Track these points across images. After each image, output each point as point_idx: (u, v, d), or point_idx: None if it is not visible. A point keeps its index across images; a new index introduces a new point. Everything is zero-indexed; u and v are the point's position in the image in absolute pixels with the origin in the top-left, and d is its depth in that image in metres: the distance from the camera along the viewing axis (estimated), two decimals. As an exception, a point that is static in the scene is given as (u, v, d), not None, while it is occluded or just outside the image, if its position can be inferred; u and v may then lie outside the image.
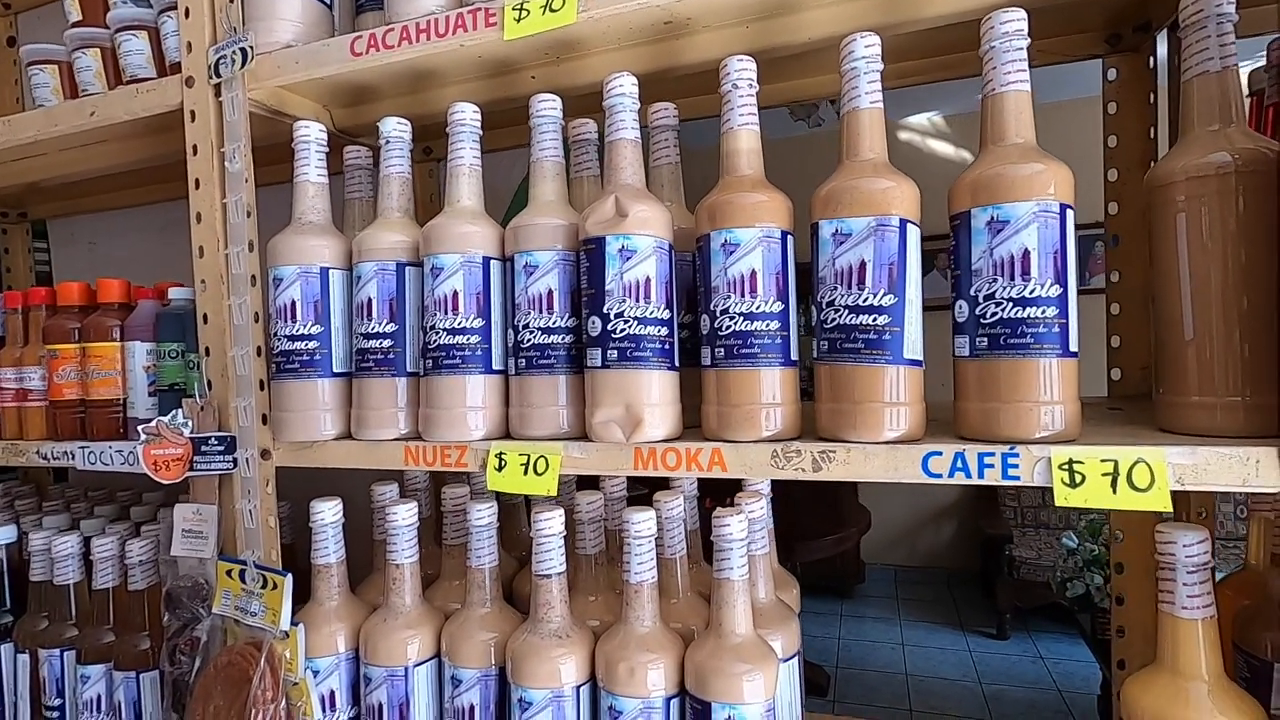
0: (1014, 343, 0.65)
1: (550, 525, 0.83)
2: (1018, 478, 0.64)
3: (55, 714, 1.08)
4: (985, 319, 0.66)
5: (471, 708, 0.86)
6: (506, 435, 0.85)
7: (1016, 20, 0.66)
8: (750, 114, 0.76)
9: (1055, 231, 0.64)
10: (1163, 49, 0.90)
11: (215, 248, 0.94)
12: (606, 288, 0.76)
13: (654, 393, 0.76)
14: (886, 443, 0.68)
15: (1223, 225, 0.63)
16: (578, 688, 0.82)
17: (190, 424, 0.93)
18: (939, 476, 0.66)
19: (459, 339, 0.83)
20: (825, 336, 0.71)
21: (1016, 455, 0.64)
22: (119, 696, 1.03)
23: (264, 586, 0.90)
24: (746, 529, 0.78)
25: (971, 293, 0.67)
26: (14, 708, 1.12)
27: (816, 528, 3.32)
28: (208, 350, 0.96)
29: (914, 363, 0.69)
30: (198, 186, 0.95)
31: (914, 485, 0.67)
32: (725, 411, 0.74)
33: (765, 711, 0.75)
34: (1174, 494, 0.60)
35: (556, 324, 0.81)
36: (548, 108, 0.84)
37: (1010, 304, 0.65)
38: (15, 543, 1.16)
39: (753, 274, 0.72)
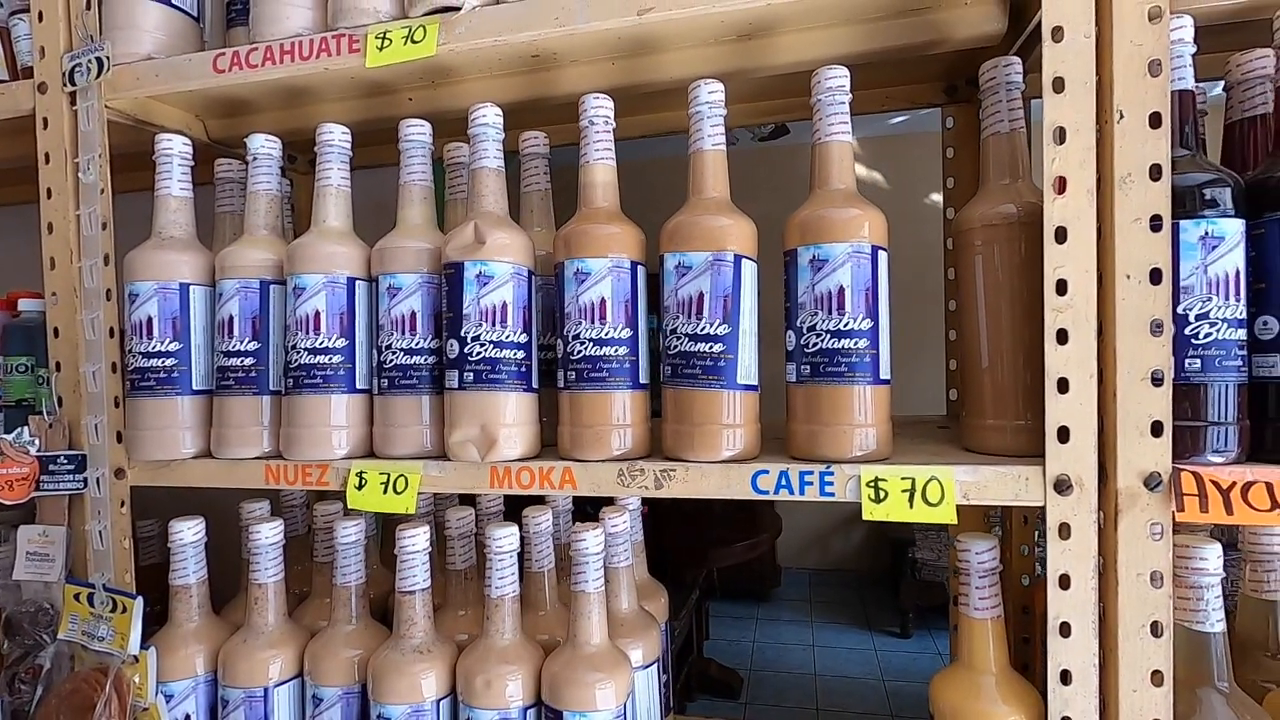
0: (831, 370, 0.71)
1: (413, 542, 0.84)
2: (833, 494, 0.70)
3: (-117, 751, 1.01)
4: (808, 349, 0.72)
5: (332, 726, 0.86)
6: (370, 454, 0.86)
7: (839, 77, 0.73)
8: (606, 149, 0.80)
9: (868, 270, 0.71)
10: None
11: (68, 260, 0.91)
12: (464, 311, 0.78)
13: (509, 413, 0.79)
14: (722, 461, 0.73)
15: (1009, 266, 0.71)
16: (437, 702, 0.83)
17: (37, 442, 0.90)
18: (766, 493, 0.71)
19: (321, 359, 0.83)
20: (669, 362, 0.76)
21: (832, 474, 0.70)
22: (-45, 729, 0.97)
23: (113, 610, 0.87)
24: (603, 544, 0.82)
25: (798, 324, 0.73)
26: None
27: (730, 535, 3.41)
28: (59, 365, 0.92)
29: (749, 387, 0.75)
30: (50, 196, 0.91)
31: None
32: (577, 432, 0.77)
33: (616, 718, 0.79)
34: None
35: (419, 345, 0.83)
36: (416, 133, 0.86)
37: (829, 335, 0.71)
38: None
39: (603, 301, 0.76)
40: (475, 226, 0.79)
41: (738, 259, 0.74)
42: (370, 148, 1.09)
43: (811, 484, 0.70)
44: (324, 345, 0.83)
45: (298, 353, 0.83)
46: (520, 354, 0.79)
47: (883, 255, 0.72)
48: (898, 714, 3.06)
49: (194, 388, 0.89)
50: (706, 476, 0.73)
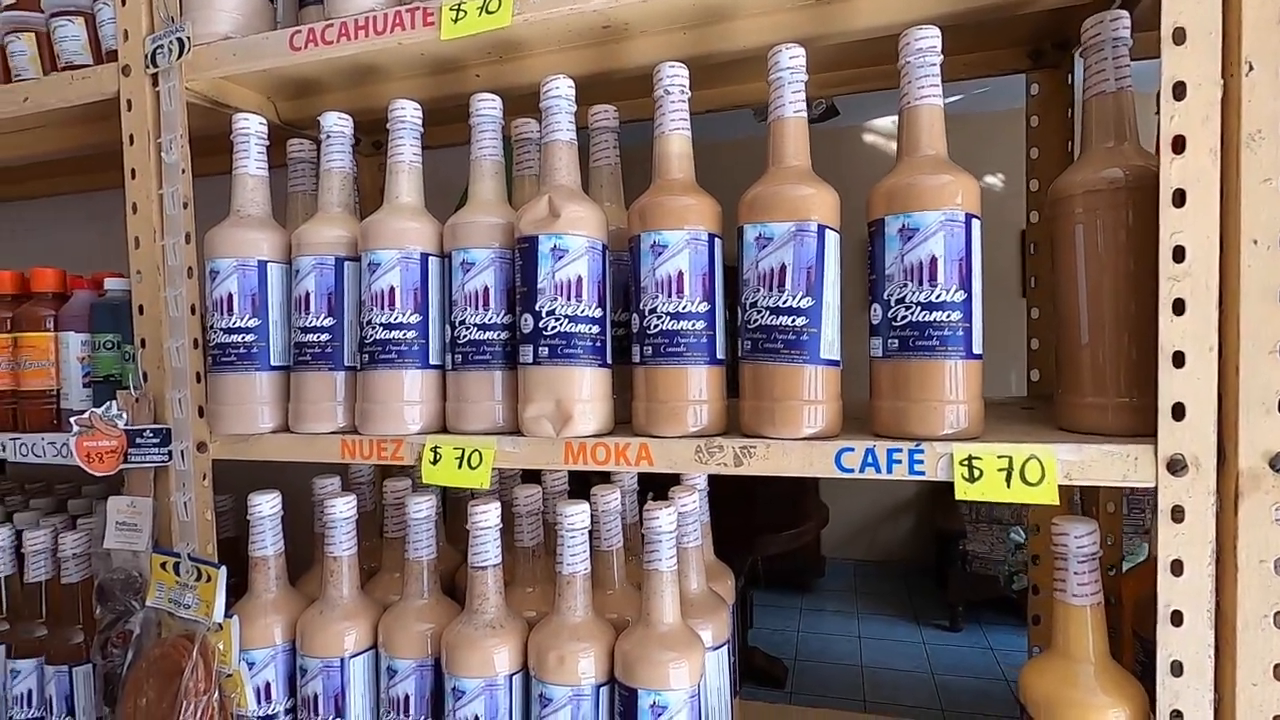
0: (922, 345, 0.68)
1: (485, 518, 0.84)
2: (923, 473, 0.67)
3: (-16, 708, 1.07)
4: (896, 322, 0.70)
5: (407, 697, 0.87)
6: (443, 429, 0.86)
7: (930, 37, 0.70)
8: (682, 118, 0.78)
9: (961, 239, 0.68)
10: (1080, 71, 0.94)
11: (151, 238, 0.93)
12: (539, 286, 0.77)
13: (584, 389, 0.78)
14: (804, 439, 0.71)
15: (1114, 236, 0.67)
16: (510, 676, 0.84)
17: (125, 416, 0.93)
18: (851, 471, 0.69)
19: (395, 334, 0.84)
20: (748, 336, 0.74)
21: (921, 451, 0.67)
22: (50, 690, 1.02)
23: (198, 579, 0.90)
24: (675, 522, 0.81)
25: (885, 297, 0.71)
26: (-58, 703, 1.10)
27: (776, 523, 3.38)
28: (144, 342, 0.95)
29: (831, 363, 0.72)
30: (134, 176, 0.94)
31: (872, 482, 0.69)
32: (653, 408, 0.76)
33: (689, 698, 0.78)
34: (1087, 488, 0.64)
35: (492, 320, 0.83)
36: (487, 107, 0.86)
37: (919, 308, 0.68)
38: (-56, 536, 1.13)
39: (680, 275, 0.75)
40: (549, 200, 0.78)
41: (821, 229, 0.71)
42: (432, 128, 1.09)
43: (900, 462, 0.68)
44: (398, 321, 0.84)
45: (372, 328, 0.84)
46: (595, 329, 0.78)
47: (976, 224, 0.69)
48: (948, 708, 3.00)
49: (272, 363, 0.90)
50: (788, 454, 0.71)
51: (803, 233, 0.71)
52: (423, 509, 0.90)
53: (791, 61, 0.73)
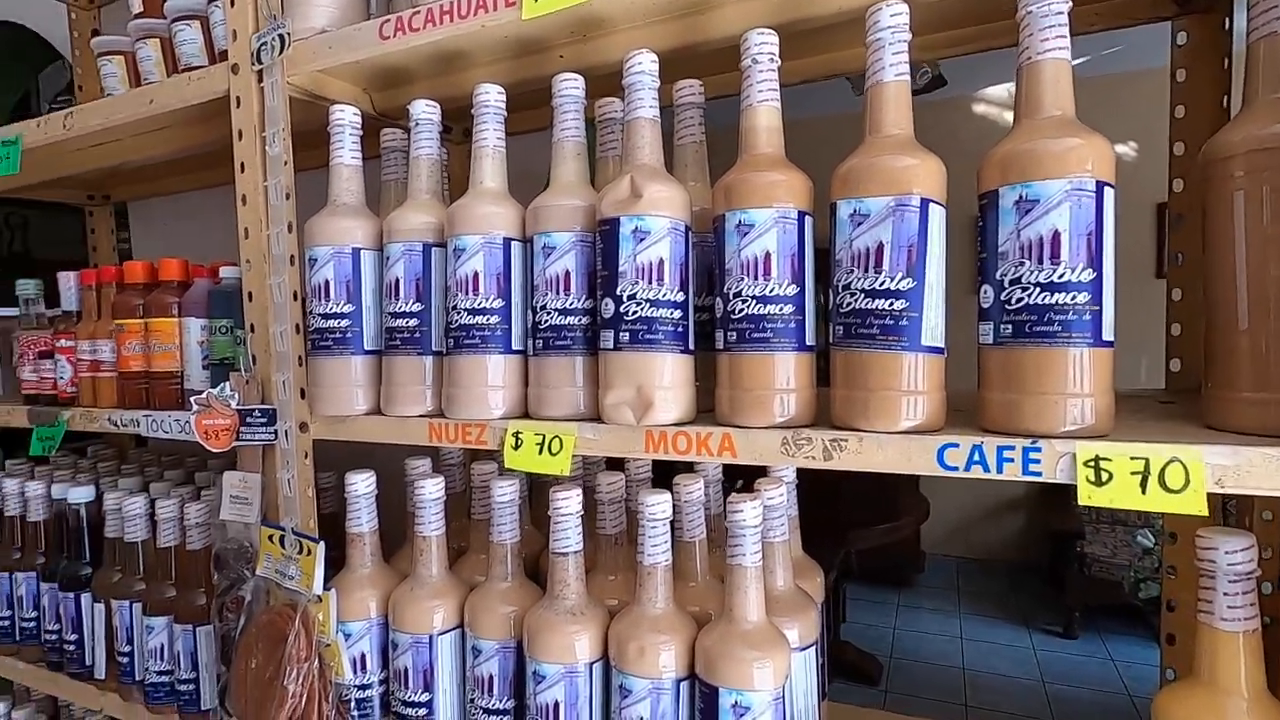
0: (1041, 330, 0.61)
1: (567, 504, 0.84)
2: (1039, 473, 0.60)
3: (125, 660, 1.18)
4: (1010, 305, 0.62)
5: (491, 678, 0.89)
6: (526, 414, 0.86)
7: (1056, -18, 0.61)
8: (771, 89, 0.73)
9: (1090, 211, 0.60)
10: (1241, 14, 0.81)
11: (259, 229, 0.98)
12: (620, 269, 0.75)
13: (666, 375, 0.75)
14: (901, 432, 0.66)
15: (1286, 203, 0.57)
16: (590, 664, 0.83)
17: (237, 396, 0.98)
18: (955, 469, 0.63)
19: (479, 319, 0.84)
20: (840, 321, 0.69)
21: (1039, 449, 0.60)
22: (178, 647, 1.11)
23: (300, 552, 0.94)
24: (760, 516, 0.77)
25: (997, 277, 0.64)
26: (92, 651, 1.22)
27: (870, 516, 3.24)
28: (252, 327, 1.01)
29: (934, 350, 0.66)
30: (243, 170, 0.99)
31: (977, 478, 0.63)
32: (737, 396, 0.73)
33: (774, 700, 0.75)
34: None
35: (574, 305, 0.81)
36: (569, 87, 0.84)
37: (1038, 289, 0.61)
38: (94, 501, 1.26)
39: (767, 256, 0.70)
40: (631, 179, 0.76)
41: (924, 203, 0.65)
42: (520, 114, 1.09)
43: (1012, 461, 0.61)
44: (481, 306, 0.84)
45: (457, 313, 0.85)
46: (677, 313, 0.75)
47: (1109, 193, 0.61)
48: (1061, 720, 2.80)
49: (365, 348, 0.93)
50: (884, 448, 0.66)
51: (903, 207, 0.65)
52: (506, 493, 0.90)
53: (893, 20, 0.67)
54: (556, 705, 0.82)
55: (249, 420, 0.98)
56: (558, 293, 0.81)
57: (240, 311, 1.02)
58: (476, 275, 0.84)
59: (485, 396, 0.85)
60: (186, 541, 1.12)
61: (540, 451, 0.81)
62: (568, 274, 0.81)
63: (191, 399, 0.99)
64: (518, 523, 0.92)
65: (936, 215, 0.66)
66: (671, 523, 0.82)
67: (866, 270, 0.66)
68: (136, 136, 1.28)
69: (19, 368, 1.28)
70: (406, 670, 0.92)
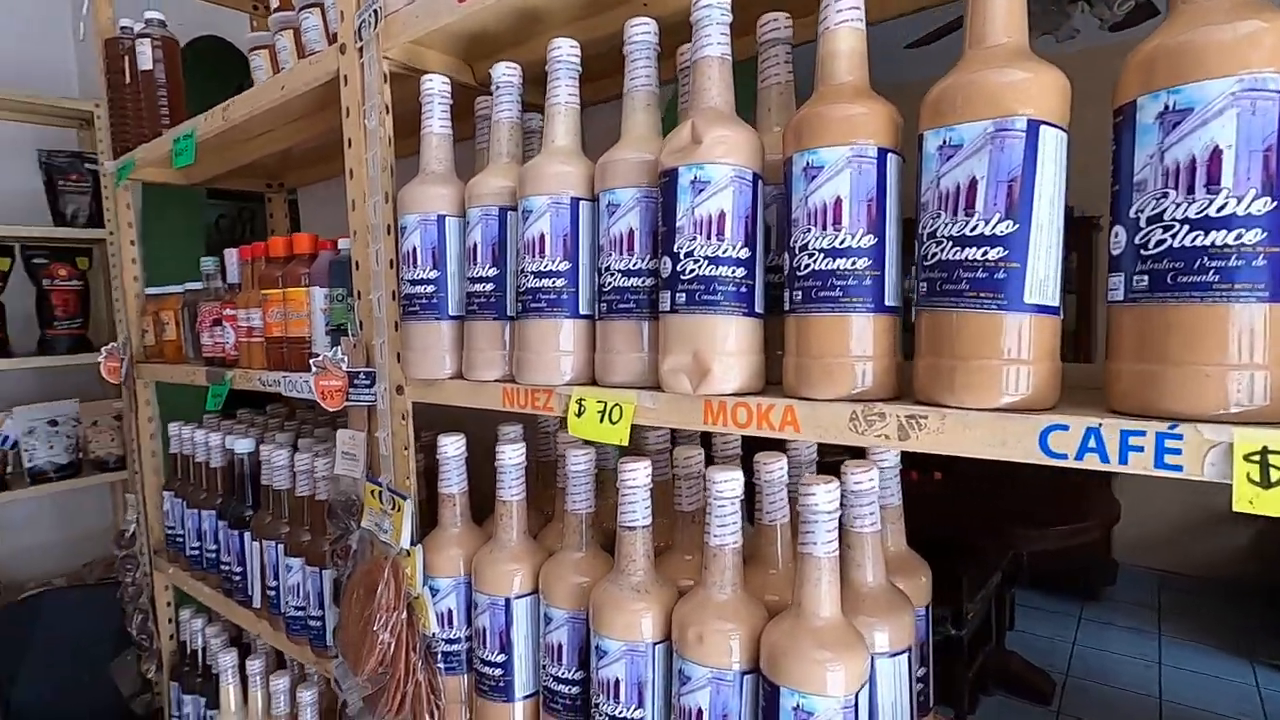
0: (1188, 281, 0.47)
1: (634, 477, 0.80)
2: (1179, 467, 0.46)
3: (273, 593, 1.32)
4: (1148, 250, 0.49)
5: (560, 646, 0.88)
6: (593, 381, 0.83)
7: None
8: (852, 8, 0.63)
9: (1271, 120, 0.44)
10: None
11: (363, 200, 1.03)
12: (678, 224, 0.69)
13: (726, 340, 0.68)
14: (997, 410, 0.54)
15: None
16: (654, 645, 0.79)
17: (346, 359, 1.05)
18: (1063, 457, 0.51)
19: (545, 282, 0.82)
20: (925, 276, 0.58)
21: (1179, 437, 0.46)
22: (309, 587, 1.23)
23: (393, 508, 0.99)
24: (836, 500, 0.68)
25: (1131, 214, 0.50)
26: (251, 582, 1.39)
27: (1045, 514, 2.88)
28: (359, 294, 1.07)
29: (1044, 309, 0.53)
30: (350, 145, 1.04)
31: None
32: (803, 364, 0.64)
33: (843, 708, 0.66)
34: None
35: (637, 266, 0.76)
36: (641, 32, 0.78)
37: (1187, 227, 0.47)
38: (254, 452, 1.42)
39: (838, 201, 0.61)
40: (692, 125, 0.69)
41: (1033, 126, 0.52)
42: (599, 81, 1.05)
43: (1141, 450, 0.48)
44: (548, 269, 0.82)
45: (525, 276, 0.83)
46: (740, 271, 0.68)
47: (1302, 94, 0.45)
48: (1291, 775, 2.33)
49: (450, 313, 0.95)
50: (970, 429, 0.54)
51: (1004, 133, 0.53)
52: (580, 462, 0.88)
53: (1001, -100, 0.54)
54: (617, 683, 0.80)
55: (355, 382, 1.04)
56: (621, 253, 0.77)
57: (350, 280, 1.09)
58: (543, 237, 0.82)
59: (553, 361, 0.83)
60: (317, 492, 1.23)
61: (602, 420, 0.78)
62: (631, 233, 0.76)
63: (311, 361, 1.07)
64: (591, 492, 0.90)
65: (1050, 142, 0.53)
66: (751, 503, 0.75)
67: (956, 213, 0.55)
68: (287, 125, 1.41)
69: (200, 333, 1.47)
70: (485, 630, 0.94)
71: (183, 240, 2.59)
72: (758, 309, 0.70)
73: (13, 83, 2.46)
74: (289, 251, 1.26)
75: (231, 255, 1.41)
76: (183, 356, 1.60)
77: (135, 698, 1.98)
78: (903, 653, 0.76)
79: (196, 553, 1.57)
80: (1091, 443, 0.49)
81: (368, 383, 1.04)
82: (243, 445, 1.43)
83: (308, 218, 2.02)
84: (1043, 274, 0.53)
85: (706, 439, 0.93)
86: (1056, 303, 0.54)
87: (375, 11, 0.95)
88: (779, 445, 0.83)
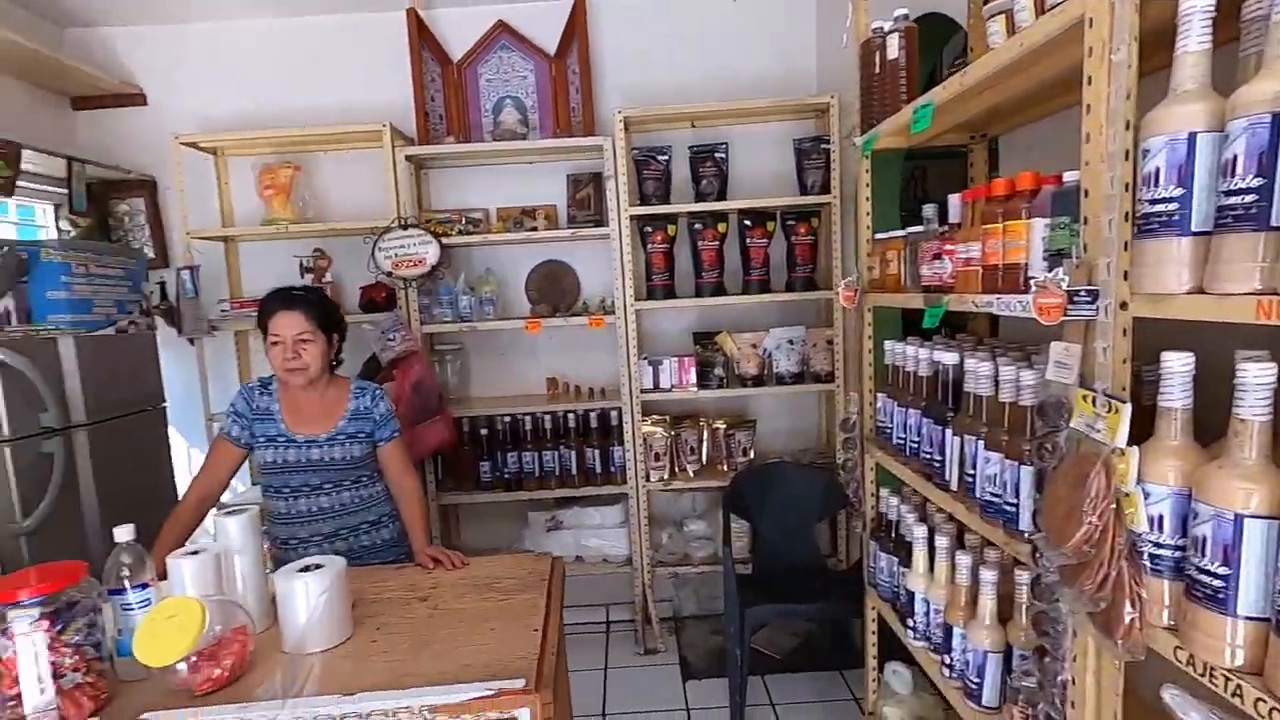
0: None
1: None
2: None
3: (970, 480, 1.59)
4: None
5: (1307, 574, 0.84)
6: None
7: None
8: None
9: None
10: None
11: (1098, 132, 1.13)
12: None
13: None
14: None
15: None
16: None
17: (1067, 280, 1.19)
18: None
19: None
20: None
21: None
22: (1005, 477, 1.44)
23: (1108, 411, 1.09)
24: None
25: None
26: (949, 469, 1.70)
27: None
28: (1085, 219, 1.17)
29: None
30: (1089, 83, 1.14)
31: None
32: None
33: None
34: None
35: None
36: None
37: None
38: (958, 365, 1.71)
39: None
40: None
41: None
42: None
43: None
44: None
45: (1305, 182, 0.80)
46: None
47: None
48: None
49: (1192, 229, 0.97)
50: None
51: None
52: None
53: None
54: (1393, 620, 0.73)
55: (1075, 299, 1.17)
56: None
57: (1076, 209, 1.20)
58: (1337, 136, 0.76)
59: (1333, 271, 0.78)
60: (1019, 398, 1.42)
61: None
62: None
63: (1030, 282, 1.25)
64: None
65: None
66: None
67: None
68: (1009, 78, 1.59)
69: (919, 266, 1.83)
70: (1205, 540, 0.96)
71: (887, 195, 3.12)
72: None
73: (774, 93, 3.43)
74: (1010, 190, 1.45)
75: (954, 199, 1.70)
76: (900, 286, 2.02)
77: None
78: None
79: (901, 442, 1.99)
80: None
81: (1088, 299, 1.15)
82: (949, 357, 1.73)
83: (1006, 164, 2.18)
84: None
85: None
86: None
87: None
88: None
